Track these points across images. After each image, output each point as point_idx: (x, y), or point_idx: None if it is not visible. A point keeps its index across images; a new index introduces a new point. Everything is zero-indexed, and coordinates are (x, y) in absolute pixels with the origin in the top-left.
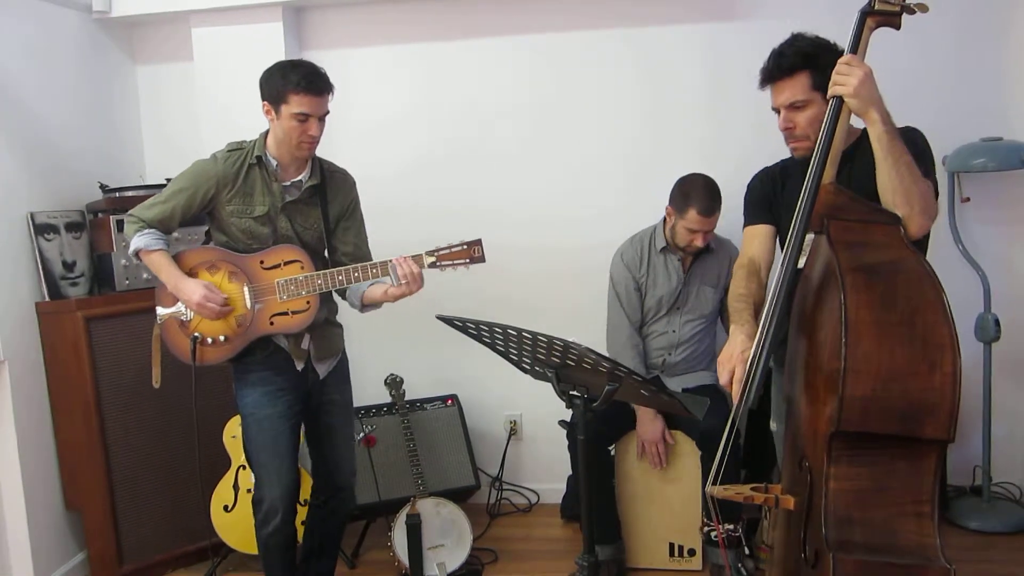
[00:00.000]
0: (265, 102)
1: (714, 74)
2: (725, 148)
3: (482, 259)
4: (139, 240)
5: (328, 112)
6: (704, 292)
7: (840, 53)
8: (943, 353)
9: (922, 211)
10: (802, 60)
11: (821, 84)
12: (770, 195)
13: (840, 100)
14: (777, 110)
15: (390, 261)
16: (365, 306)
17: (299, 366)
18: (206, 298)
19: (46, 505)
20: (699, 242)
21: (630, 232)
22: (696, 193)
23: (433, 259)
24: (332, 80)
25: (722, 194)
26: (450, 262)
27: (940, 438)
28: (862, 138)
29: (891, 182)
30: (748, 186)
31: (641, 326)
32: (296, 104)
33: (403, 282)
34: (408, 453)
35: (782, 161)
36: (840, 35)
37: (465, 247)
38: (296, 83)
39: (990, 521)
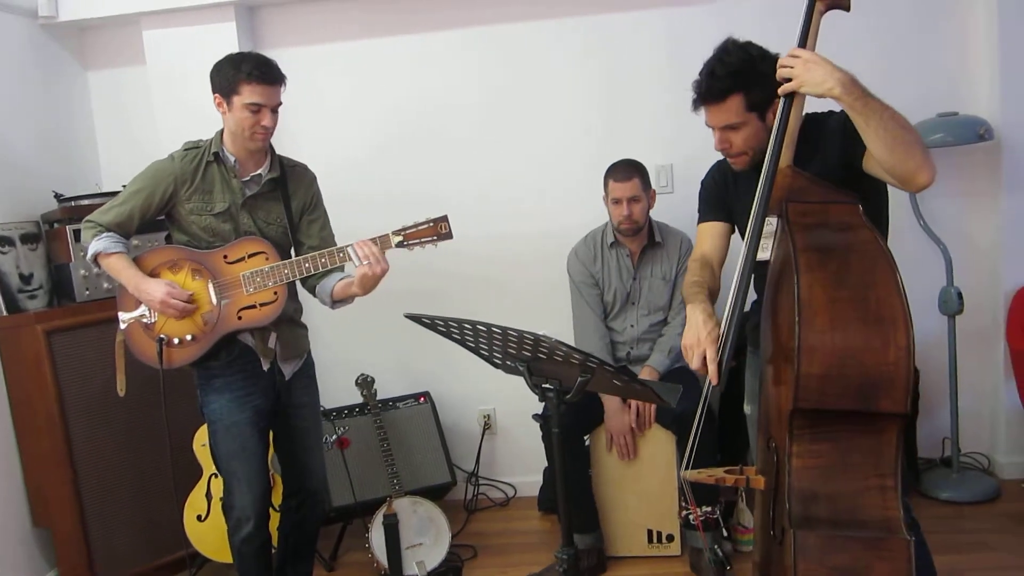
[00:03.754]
0: (216, 94)
1: (673, 60)
2: (684, 134)
3: (449, 235)
4: (97, 244)
5: (280, 103)
6: (655, 285)
7: (773, 59)
8: (896, 328)
9: (925, 157)
10: (733, 82)
11: (755, 104)
12: (723, 191)
13: (789, 100)
14: (712, 127)
15: (349, 246)
16: (336, 302)
17: (265, 365)
18: (169, 295)
19: (13, 523)
20: (627, 212)
21: (590, 218)
22: (612, 166)
23: (400, 238)
24: (287, 77)
25: (680, 180)
26: (417, 240)
27: (897, 411)
28: (818, 121)
29: (886, 141)
30: (702, 182)
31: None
32: (248, 94)
33: (365, 262)
34: (382, 453)
35: None
36: (798, 16)
37: (431, 224)
38: (248, 73)
39: (960, 491)
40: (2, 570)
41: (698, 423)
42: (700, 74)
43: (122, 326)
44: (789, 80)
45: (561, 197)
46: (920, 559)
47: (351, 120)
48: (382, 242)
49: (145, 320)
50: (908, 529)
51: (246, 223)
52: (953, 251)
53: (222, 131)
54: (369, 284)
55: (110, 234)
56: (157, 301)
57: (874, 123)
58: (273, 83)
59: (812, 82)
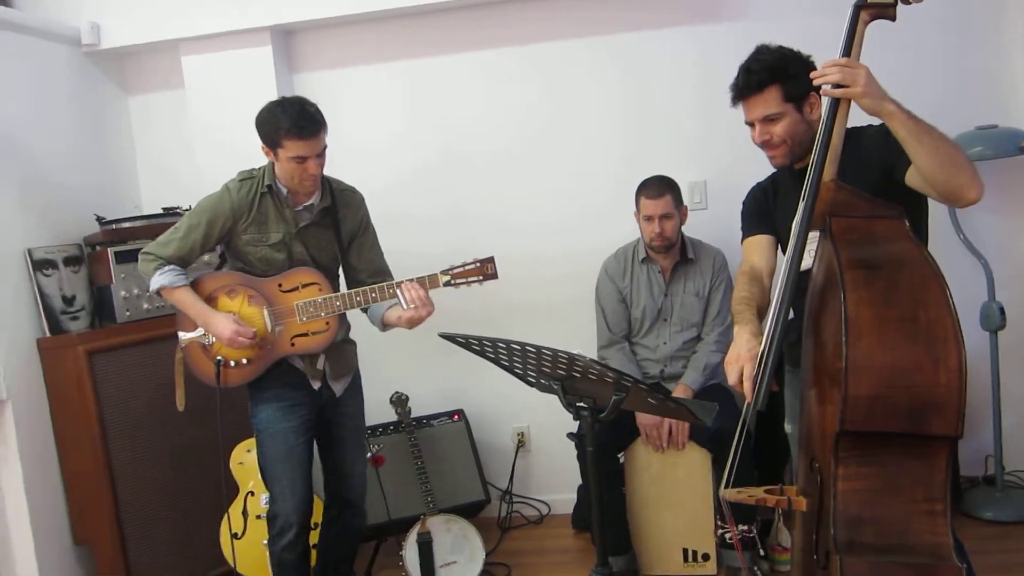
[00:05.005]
0: (263, 144)
1: (702, 77)
2: (714, 151)
3: (495, 275)
4: (161, 279)
5: (325, 147)
6: (688, 301)
7: (806, 60)
8: (947, 348)
9: (974, 173)
10: (770, 75)
11: (792, 95)
12: (764, 207)
13: (835, 102)
14: (751, 124)
15: (398, 286)
16: (385, 326)
17: (315, 386)
18: (237, 333)
19: (55, 541)
20: (659, 230)
21: (622, 235)
22: (644, 183)
23: (448, 278)
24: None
25: (713, 196)
26: (464, 280)
27: (948, 434)
28: (858, 133)
29: (935, 159)
30: (743, 202)
31: (631, 340)
32: (291, 149)
33: (412, 306)
34: (416, 471)
35: (772, 175)
36: (829, 34)
37: (479, 265)
38: (288, 129)
39: (1005, 510)
40: None
41: (737, 442)
42: (738, 72)
43: (181, 344)
44: (843, 86)
45: (594, 215)
46: None
47: (386, 141)
48: (431, 281)
49: (204, 341)
50: (958, 556)
51: (299, 252)
52: (994, 265)
53: (273, 163)
54: (415, 324)
55: (173, 267)
56: (225, 338)
57: (926, 140)
58: (312, 136)
59: (873, 94)
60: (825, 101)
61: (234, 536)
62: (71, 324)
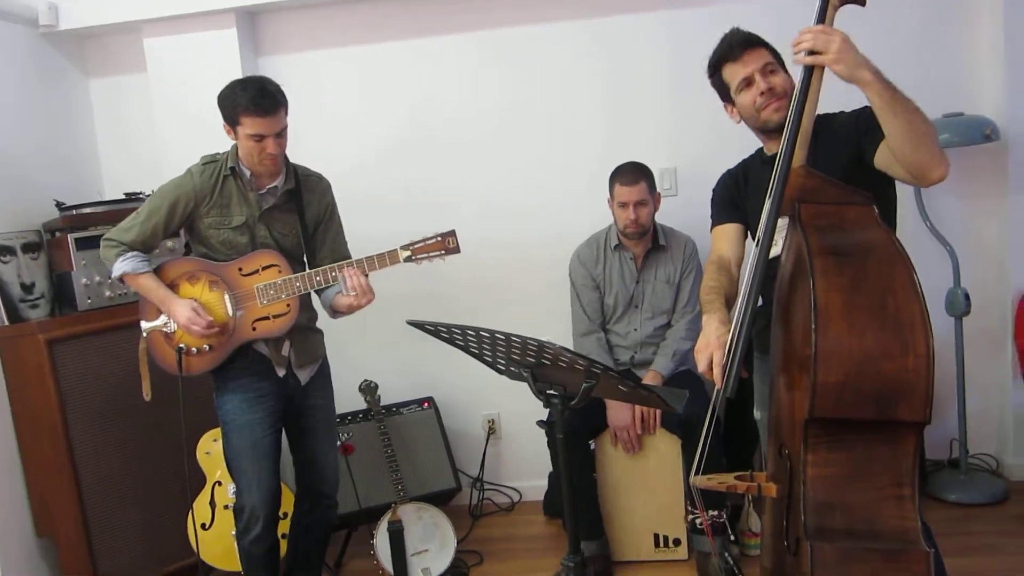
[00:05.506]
0: (224, 123)
1: (674, 62)
2: (688, 136)
3: (457, 250)
4: (123, 265)
5: (285, 126)
6: (659, 289)
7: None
8: (915, 334)
9: (942, 153)
10: (757, 39)
11: (778, 60)
12: (734, 194)
13: (809, 72)
14: (748, 81)
15: (342, 271)
16: (335, 312)
17: (280, 373)
18: (190, 320)
19: (17, 533)
20: (633, 216)
21: (594, 221)
22: (618, 169)
23: (408, 253)
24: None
25: (684, 183)
26: (425, 255)
27: (917, 420)
28: (827, 120)
29: (908, 134)
30: (713, 189)
31: (604, 327)
32: (249, 126)
33: (352, 293)
34: (386, 459)
35: (742, 161)
36: (801, 20)
37: (439, 239)
38: (246, 107)
39: (969, 493)
40: None
41: (707, 429)
42: (721, 42)
43: (144, 334)
44: (817, 53)
45: (565, 201)
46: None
47: (354, 125)
48: (390, 257)
49: (165, 329)
50: (926, 540)
51: (263, 235)
52: (960, 252)
53: (236, 146)
54: (354, 311)
55: (135, 254)
56: (181, 324)
57: (900, 112)
58: (271, 113)
59: (849, 61)
60: (799, 73)
61: (201, 527)
62: (30, 312)
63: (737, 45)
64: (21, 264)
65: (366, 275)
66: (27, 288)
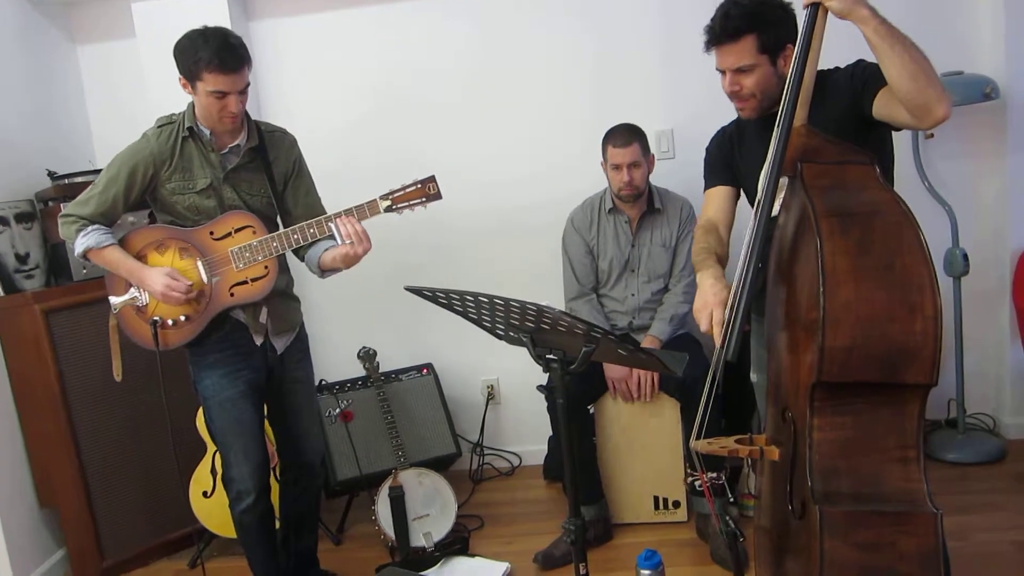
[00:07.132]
0: (181, 76)
1: (669, 22)
2: (681, 99)
3: (438, 196)
4: (85, 240)
5: (248, 84)
6: (655, 252)
7: (786, 7)
8: (923, 296)
9: (944, 89)
10: (747, 23)
11: (767, 46)
12: (727, 153)
13: (813, 14)
14: (723, 71)
15: (332, 220)
16: (324, 271)
17: (258, 340)
18: (168, 287)
19: (19, 504)
20: (628, 178)
21: (588, 185)
22: (611, 131)
23: (388, 203)
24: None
25: (681, 144)
26: (406, 203)
27: (923, 383)
28: (823, 77)
29: (907, 70)
30: (707, 148)
31: (599, 292)
32: (211, 82)
33: (348, 241)
34: (386, 425)
35: (736, 119)
36: None
37: (419, 185)
38: (209, 61)
39: (966, 452)
40: (11, 550)
41: (708, 391)
42: (714, 16)
43: (114, 310)
44: None
45: (558, 165)
46: None
47: (345, 89)
48: (370, 208)
49: (137, 303)
50: (932, 502)
51: (230, 197)
52: (958, 212)
53: (193, 104)
54: (352, 262)
55: (96, 227)
56: (158, 293)
57: (899, 48)
58: (235, 70)
59: None
60: (802, 18)
61: (203, 495)
62: (26, 283)
63: (720, 33)
64: (15, 234)
65: (376, 211)
66: (21, 259)
